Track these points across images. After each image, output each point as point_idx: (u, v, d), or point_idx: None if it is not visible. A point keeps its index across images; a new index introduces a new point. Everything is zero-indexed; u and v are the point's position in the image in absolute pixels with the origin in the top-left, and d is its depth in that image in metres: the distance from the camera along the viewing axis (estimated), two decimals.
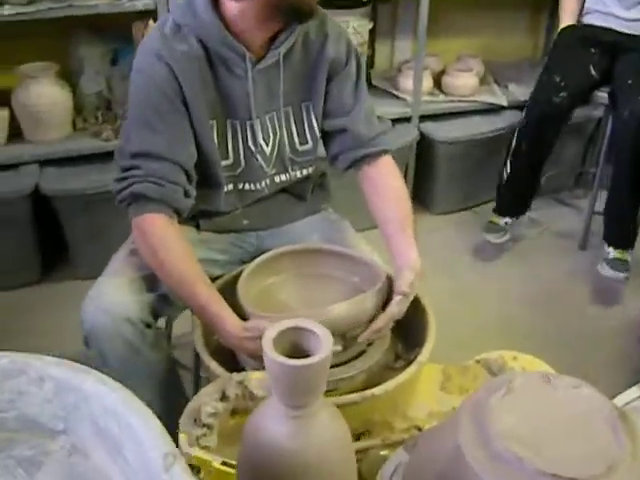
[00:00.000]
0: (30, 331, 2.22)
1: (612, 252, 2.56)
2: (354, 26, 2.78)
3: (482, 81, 3.17)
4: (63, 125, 2.59)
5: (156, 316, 1.40)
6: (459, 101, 3.05)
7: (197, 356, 1.53)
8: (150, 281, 1.38)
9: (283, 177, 1.53)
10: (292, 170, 1.52)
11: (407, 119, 2.95)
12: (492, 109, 3.07)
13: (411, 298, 1.32)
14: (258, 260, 1.40)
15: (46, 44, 2.56)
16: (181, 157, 1.34)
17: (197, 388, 1.67)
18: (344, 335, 1.25)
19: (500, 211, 2.80)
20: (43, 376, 0.79)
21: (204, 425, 1.04)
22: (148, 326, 1.36)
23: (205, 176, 1.43)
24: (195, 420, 1.05)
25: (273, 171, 1.50)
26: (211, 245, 1.55)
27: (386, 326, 1.30)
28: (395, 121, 2.91)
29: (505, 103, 3.06)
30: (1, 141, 2.50)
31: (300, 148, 1.51)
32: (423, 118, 2.98)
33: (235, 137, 1.44)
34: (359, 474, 1.22)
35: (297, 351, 0.66)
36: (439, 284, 2.61)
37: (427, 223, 3.07)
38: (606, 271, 2.54)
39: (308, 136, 1.51)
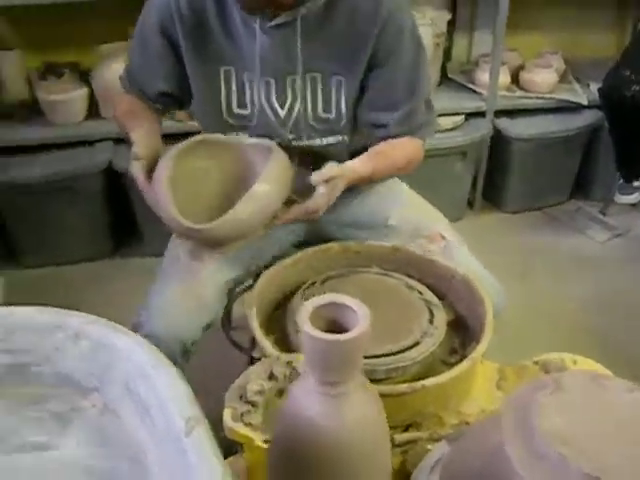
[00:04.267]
0: (96, 304, 2.28)
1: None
2: (431, 17, 2.72)
3: (562, 78, 3.07)
4: None
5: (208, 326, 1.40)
6: (536, 97, 2.96)
7: (253, 338, 1.53)
8: (201, 291, 1.39)
9: (301, 142, 1.43)
10: (310, 138, 1.42)
11: (482, 114, 2.88)
12: (571, 107, 2.96)
13: (327, 192, 1.25)
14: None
15: (127, 24, 2.59)
16: (146, 88, 1.44)
17: None
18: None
19: (628, 178, 2.93)
20: (79, 333, 0.80)
21: (249, 402, 1.04)
22: (193, 343, 1.37)
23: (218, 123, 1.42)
24: (241, 396, 1.06)
25: (291, 136, 1.42)
26: None
27: (295, 218, 1.27)
28: (470, 115, 2.88)
29: (585, 102, 2.95)
30: (79, 118, 2.57)
31: (323, 115, 1.40)
32: (498, 113, 2.91)
33: (251, 90, 1.38)
34: (403, 466, 1.21)
35: (334, 327, 0.65)
36: (510, 285, 2.55)
37: (497, 221, 3.03)
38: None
39: (333, 108, 1.39)
